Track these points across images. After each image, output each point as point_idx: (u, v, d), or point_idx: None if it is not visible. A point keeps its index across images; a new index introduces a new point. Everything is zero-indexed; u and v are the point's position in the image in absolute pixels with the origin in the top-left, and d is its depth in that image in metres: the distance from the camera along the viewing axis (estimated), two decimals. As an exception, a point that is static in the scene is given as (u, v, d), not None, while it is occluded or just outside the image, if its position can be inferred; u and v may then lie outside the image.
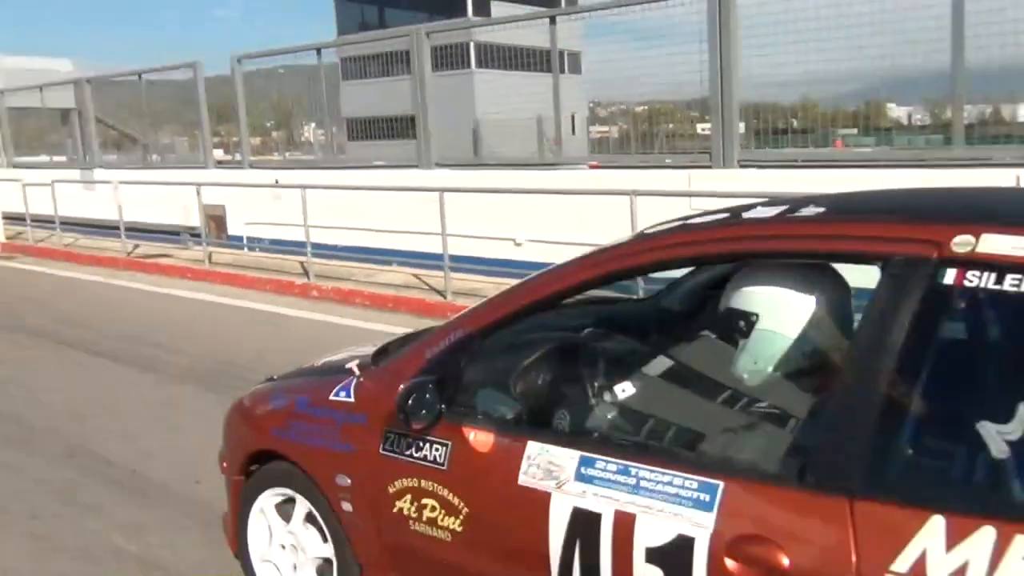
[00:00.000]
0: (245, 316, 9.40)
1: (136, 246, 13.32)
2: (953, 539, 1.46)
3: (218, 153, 15.92)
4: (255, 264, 11.74)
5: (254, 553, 2.91)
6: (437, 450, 2.17)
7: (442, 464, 2.15)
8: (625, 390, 2.13)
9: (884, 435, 1.62)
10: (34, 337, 8.40)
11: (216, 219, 12.60)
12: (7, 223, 15.48)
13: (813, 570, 1.60)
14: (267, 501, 2.82)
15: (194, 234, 12.97)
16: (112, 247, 13.70)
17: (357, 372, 2.54)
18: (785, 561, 1.61)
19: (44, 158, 20.30)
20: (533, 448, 1.98)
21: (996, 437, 1.51)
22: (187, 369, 6.98)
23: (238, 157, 15.96)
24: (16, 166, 18.35)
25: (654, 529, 1.75)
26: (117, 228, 13.33)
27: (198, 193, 11.91)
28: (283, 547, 2.79)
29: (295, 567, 2.76)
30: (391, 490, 2.26)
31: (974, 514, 1.47)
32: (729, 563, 1.67)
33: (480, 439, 2.10)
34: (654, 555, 1.75)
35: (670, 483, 1.76)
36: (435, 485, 2.17)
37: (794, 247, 1.89)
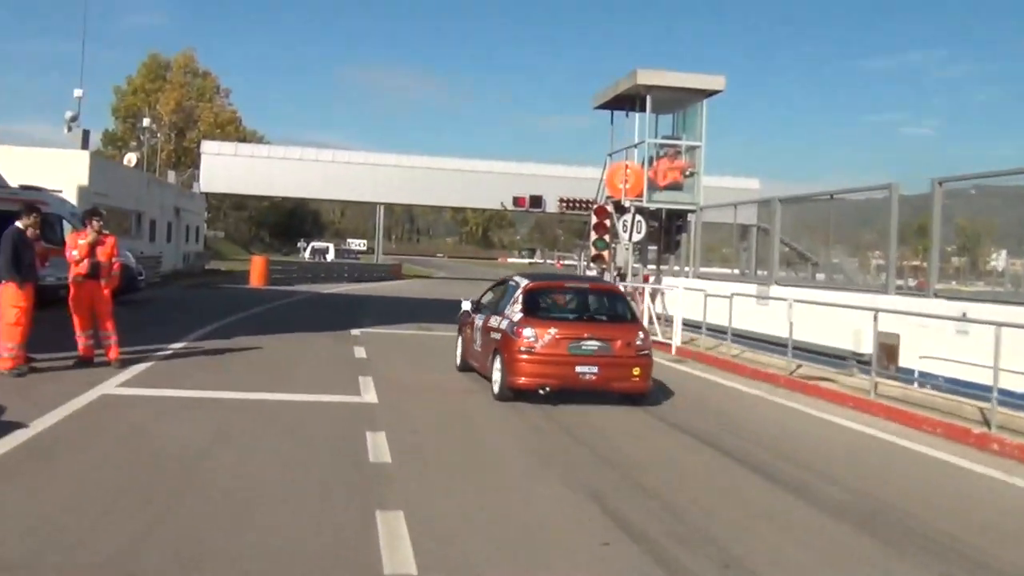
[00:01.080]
0: (908, 457, 9.14)
1: (798, 366, 13.96)
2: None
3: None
4: (925, 403, 11.33)
5: (460, 352, 13.35)
6: (470, 319, 12.69)
7: (471, 323, 12.61)
8: (485, 303, 12.79)
9: (489, 304, 12.55)
10: (687, 435, 9.46)
11: (888, 348, 12.52)
12: (685, 328, 17.64)
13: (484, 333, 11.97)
14: (458, 338, 13.45)
15: (861, 361, 13.08)
16: (775, 364, 14.60)
17: (466, 307, 13.09)
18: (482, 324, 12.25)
19: (717, 269, 22.65)
20: (477, 317, 12.37)
21: (511, 312, 11.41)
22: (842, 503, 7.05)
23: (911, 282, 15.62)
24: (699, 276, 20.89)
25: (480, 324, 12.12)
26: (784, 345, 14.15)
27: (875, 319, 12.02)
28: (463, 349, 13.28)
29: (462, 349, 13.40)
30: (469, 329, 12.78)
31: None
32: (482, 332, 11.95)
33: (476, 317, 12.40)
34: (480, 330, 12.04)
35: (482, 315, 12.27)
36: (470, 329, 12.61)
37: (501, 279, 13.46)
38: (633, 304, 11.61)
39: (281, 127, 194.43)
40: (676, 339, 17.39)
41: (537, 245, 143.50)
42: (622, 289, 15.08)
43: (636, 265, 22.92)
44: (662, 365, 15.92)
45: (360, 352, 15.33)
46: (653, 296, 19.71)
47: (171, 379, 11.27)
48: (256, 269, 39.01)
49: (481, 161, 55.59)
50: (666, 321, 18.61)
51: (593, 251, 22.84)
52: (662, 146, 22.76)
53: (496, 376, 11.11)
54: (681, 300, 17.80)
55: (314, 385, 11.51)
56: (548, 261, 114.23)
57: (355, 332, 18.68)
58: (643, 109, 21.91)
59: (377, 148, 76.53)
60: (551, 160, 58.17)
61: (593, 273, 24.89)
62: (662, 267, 23.47)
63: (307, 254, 71.13)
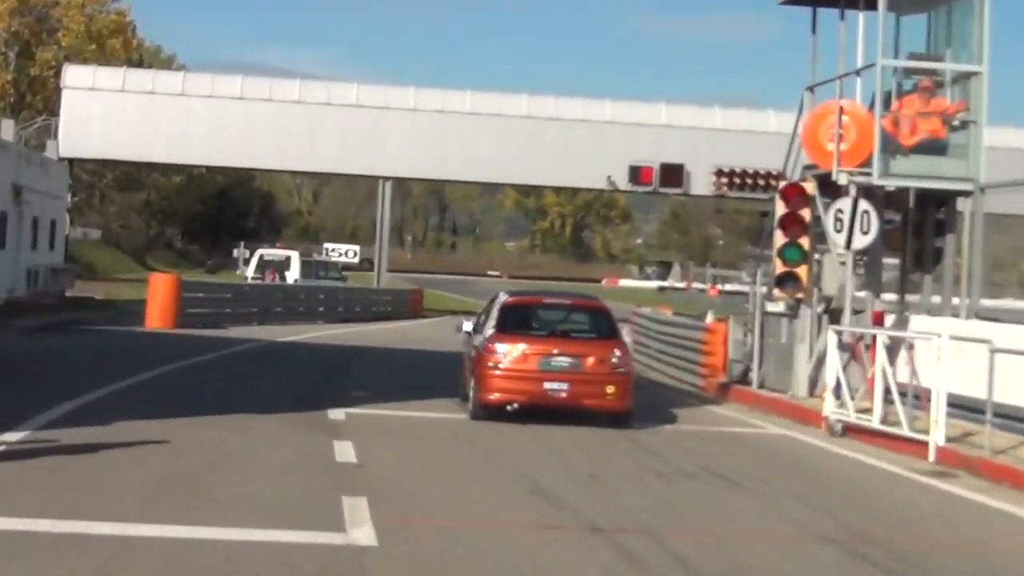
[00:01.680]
0: None
1: None
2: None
3: None
4: None
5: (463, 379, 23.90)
6: (465, 337, 23.46)
7: (466, 339, 23.73)
8: (481, 322, 23.41)
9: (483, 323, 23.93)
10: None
11: None
12: (953, 412, 17.30)
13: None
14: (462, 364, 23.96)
15: None
16: None
17: (467, 328, 24.07)
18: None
19: (1013, 302, 22.20)
20: (474, 336, 22.09)
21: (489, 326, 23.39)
22: None
23: None
24: (980, 315, 20.40)
25: (468, 343, 23.11)
26: None
27: None
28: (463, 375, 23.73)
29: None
30: (467, 348, 23.18)
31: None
32: (468, 351, 22.98)
33: (473, 336, 22.27)
34: (470, 350, 22.99)
35: (475, 333, 22.77)
36: (470, 345, 22.68)
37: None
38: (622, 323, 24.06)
39: (207, 44, 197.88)
40: (937, 433, 17.08)
41: (674, 256, 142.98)
42: (608, 306, 22.94)
43: (861, 294, 22.62)
44: (911, 481, 15.73)
45: (345, 451, 15.45)
46: (892, 351, 19.36)
47: (2, 498, 11.41)
48: (159, 297, 39.70)
49: (570, 100, 55.10)
50: (917, 397, 18.30)
51: (779, 266, 22.64)
52: (908, 73, 22.57)
53: (471, 394, 18.99)
54: (946, 359, 17.51)
55: (260, 511, 11.57)
56: (694, 285, 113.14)
57: (336, 415, 18.98)
58: (872, 7, 21.78)
59: (381, 79, 77.17)
60: (698, 99, 57.74)
61: (779, 308, 24.56)
62: (908, 297, 23.20)
63: (251, 270, 71.89)
